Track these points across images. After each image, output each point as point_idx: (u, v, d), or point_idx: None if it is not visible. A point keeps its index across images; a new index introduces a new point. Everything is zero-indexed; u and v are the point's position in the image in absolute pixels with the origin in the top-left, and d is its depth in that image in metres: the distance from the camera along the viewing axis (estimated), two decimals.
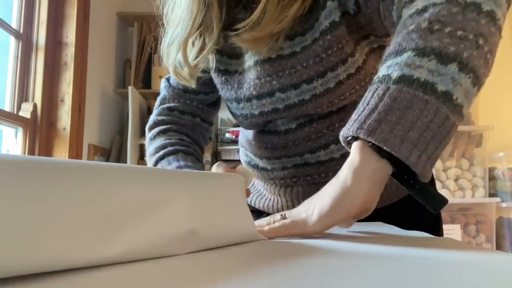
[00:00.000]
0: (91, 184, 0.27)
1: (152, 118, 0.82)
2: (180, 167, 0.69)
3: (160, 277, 0.26)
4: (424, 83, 0.38)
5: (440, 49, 0.39)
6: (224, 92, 0.74)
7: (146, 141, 0.80)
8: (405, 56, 0.40)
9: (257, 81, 0.68)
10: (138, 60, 2.42)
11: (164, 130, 0.78)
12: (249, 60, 0.69)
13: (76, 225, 0.25)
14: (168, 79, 0.84)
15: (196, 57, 0.67)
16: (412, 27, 0.42)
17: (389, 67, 0.41)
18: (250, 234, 0.42)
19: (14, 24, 1.84)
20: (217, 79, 0.74)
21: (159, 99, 0.84)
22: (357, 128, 0.39)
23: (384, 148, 0.38)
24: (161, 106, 0.82)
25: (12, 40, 1.83)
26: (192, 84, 0.73)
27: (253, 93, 0.68)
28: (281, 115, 0.68)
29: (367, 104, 0.40)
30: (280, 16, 0.59)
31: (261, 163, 0.76)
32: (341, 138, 0.44)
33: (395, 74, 0.40)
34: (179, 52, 0.67)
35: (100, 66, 2.27)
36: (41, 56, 1.89)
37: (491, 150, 2.39)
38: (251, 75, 0.69)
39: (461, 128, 2.34)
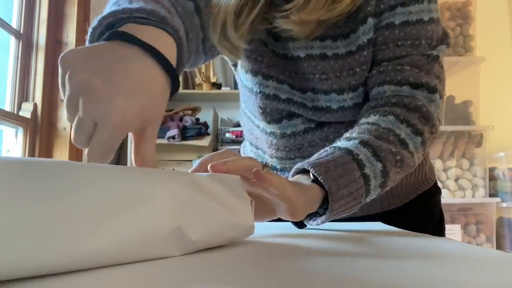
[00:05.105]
0: (68, 184, 0.26)
1: None
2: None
3: (155, 279, 0.26)
4: (360, 163, 0.51)
5: (376, 150, 0.53)
6: (251, 61, 0.68)
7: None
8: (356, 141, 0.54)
9: (293, 74, 0.67)
10: None
11: None
12: (281, 49, 0.66)
13: (56, 226, 0.25)
14: None
15: (240, 27, 0.61)
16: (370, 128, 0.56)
17: (349, 140, 0.55)
18: (246, 232, 0.41)
19: (14, 24, 1.84)
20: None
21: None
22: (312, 166, 0.50)
23: (324, 184, 0.48)
24: None
25: (12, 40, 1.83)
26: (238, 57, 0.67)
27: (289, 80, 0.67)
28: (307, 112, 0.67)
29: (326, 156, 0.52)
30: (331, 4, 0.58)
31: (270, 162, 0.74)
32: (296, 167, 0.53)
33: (349, 148, 0.53)
34: (224, 21, 0.61)
35: None
36: (41, 56, 1.89)
37: (491, 150, 2.39)
38: (285, 64, 0.67)
39: (461, 128, 2.34)
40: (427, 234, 0.52)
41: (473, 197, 2.34)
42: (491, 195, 2.35)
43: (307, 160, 0.51)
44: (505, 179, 2.35)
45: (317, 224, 0.51)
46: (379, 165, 0.52)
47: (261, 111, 0.70)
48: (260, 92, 0.68)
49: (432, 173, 0.79)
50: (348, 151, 0.52)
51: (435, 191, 0.79)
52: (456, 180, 2.36)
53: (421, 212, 0.75)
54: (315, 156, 0.53)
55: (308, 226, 0.59)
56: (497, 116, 2.48)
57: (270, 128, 0.72)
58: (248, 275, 0.26)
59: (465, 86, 2.40)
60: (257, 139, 0.76)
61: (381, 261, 0.31)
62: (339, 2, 0.58)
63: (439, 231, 0.77)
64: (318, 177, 0.48)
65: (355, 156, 0.51)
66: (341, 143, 0.55)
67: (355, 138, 0.54)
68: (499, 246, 2.35)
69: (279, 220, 0.79)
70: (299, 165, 0.52)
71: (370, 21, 0.61)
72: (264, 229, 0.57)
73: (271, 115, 0.69)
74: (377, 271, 0.27)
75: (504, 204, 2.31)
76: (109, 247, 0.27)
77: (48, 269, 0.25)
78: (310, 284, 0.23)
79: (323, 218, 0.50)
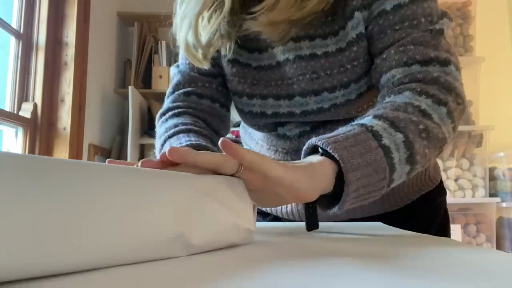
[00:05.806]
0: (70, 184, 0.26)
1: (166, 104, 0.73)
2: (191, 142, 0.60)
3: (155, 279, 0.26)
4: (375, 133, 0.47)
5: (395, 121, 0.48)
6: (234, 84, 0.70)
7: (157, 125, 0.71)
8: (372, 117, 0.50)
9: (279, 82, 0.66)
10: (138, 60, 2.42)
11: (179, 113, 0.70)
12: (266, 60, 0.67)
13: (57, 228, 0.24)
14: (178, 66, 0.76)
15: (208, 35, 0.63)
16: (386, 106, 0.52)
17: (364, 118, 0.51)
18: (247, 238, 0.41)
19: (14, 24, 1.84)
20: (226, 69, 0.70)
21: (172, 86, 0.75)
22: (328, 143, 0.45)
23: (338, 158, 0.44)
24: (176, 92, 0.73)
25: (12, 40, 1.83)
26: (205, 65, 0.67)
27: (273, 92, 0.67)
28: (296, 119, 0.67)
29: (335, 132, 0.48)
30: (301, 3, 0.57)
31: None
32: (308, 144, 0.49)
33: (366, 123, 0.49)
34: (190, 28, 0.63)
35: (100, 66, 2.27)
36: (41, 56, 1.89)
37: (491, 150, 2.39)
38: (271, 74, 0.67)
39: (461, 128, 2.34)
40: (427, 235, 0.51)
41: (473, 197, 2.34)
42: (491, 195, 2.35)
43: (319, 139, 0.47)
44: (505, 179, 2.35)
45: (339, 209, 0.45)
46: (399, 135, 0.47)
47: (255, 128, 0.72)
48: (248, 112, 0.70)
49: (437, 173, 0.77)
50: (360, 124, 0.48)
51: (438, 192, 0.77)
52: (456, 180, 2.36)
53: (423, 213, 0.74)
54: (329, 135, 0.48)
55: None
56: (497, 116, 2.48)
57: None
58: (247, 275, 0.26)
59: (465, 86, 2.39)
60: (257, 143, 0.76)
61: (380, 261, 0.31)
62: (309, 0, 0.57)
63: (443, 234, 0.76)
64: (326, 148, 0.44)
65: (369, 128, 0.47)
66: (353, 122, 0.50)
67: (368, 115, 0.50)
68: (499, 246, 2.35)
69: (279, 220, 0.79)
70: (306, 146, 0.48)
71: (358, 15, 0.59)
72: (264, 230, 0.57)
73: (265, 127, 0.71)
74: (377, 271, 0.27)
75: (504, 204, 2.31)
76: (111, 252, 0.27)
77: (48, 272, 0.24)
78: (309, 284, 0.23)
79: (343, 198, 0.44)
